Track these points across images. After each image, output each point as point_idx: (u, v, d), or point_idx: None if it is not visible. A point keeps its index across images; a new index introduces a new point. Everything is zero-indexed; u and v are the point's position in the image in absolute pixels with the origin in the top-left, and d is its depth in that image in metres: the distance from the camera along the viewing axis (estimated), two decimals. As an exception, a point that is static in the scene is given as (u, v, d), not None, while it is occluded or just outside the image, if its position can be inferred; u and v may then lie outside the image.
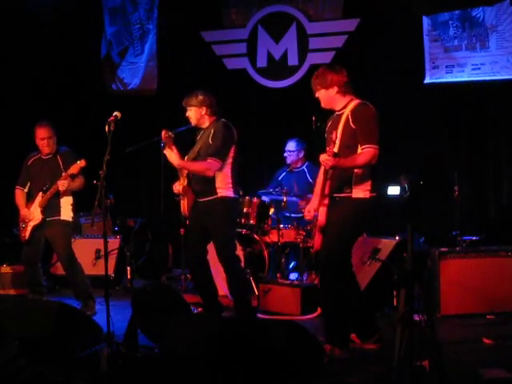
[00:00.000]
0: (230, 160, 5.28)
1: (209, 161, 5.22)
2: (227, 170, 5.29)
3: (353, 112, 4.53)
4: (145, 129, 7.91)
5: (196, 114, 5.38)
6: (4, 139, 8.03)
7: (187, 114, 5.43)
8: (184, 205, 5.46)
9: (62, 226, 6.09)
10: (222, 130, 5.29)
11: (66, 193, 6.03)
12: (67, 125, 7.78)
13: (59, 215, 6.07)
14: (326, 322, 4.68)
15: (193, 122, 5.43)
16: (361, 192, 4.52)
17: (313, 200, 4.83)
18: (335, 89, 4.61)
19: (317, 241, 4.65)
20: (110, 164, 4.59)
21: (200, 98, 5.35)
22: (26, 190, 6.23)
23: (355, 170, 4.52)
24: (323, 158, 4.43)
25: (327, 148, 4.52)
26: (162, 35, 8.49)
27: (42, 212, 6.03)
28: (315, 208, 4.69)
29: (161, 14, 8.45)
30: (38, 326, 4.29)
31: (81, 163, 5.81)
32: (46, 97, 8.44)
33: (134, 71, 8.69)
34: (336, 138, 4.46)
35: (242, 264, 6.00)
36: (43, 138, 6.08)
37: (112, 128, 4.65)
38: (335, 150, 4.43)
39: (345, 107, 4.61)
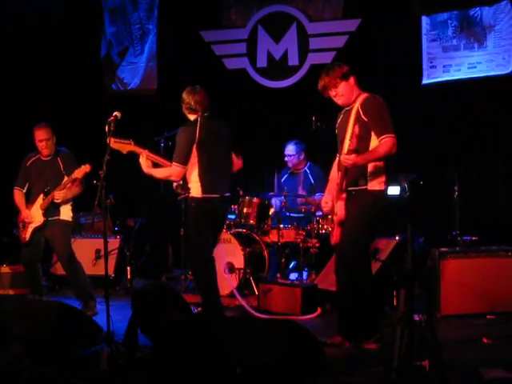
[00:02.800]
0: (195, 160, 5.18)
1: (172, 166, 5.22)
2: (194, 170, 5.21)
3: (362, 105, 4.58)
4: (145, 129, 7.94)
5: (183, 110, 5.37)
6: (4, 139, 8.03)
7: None
8: None
9: (61, 225, 6.08)
10: (181, 131, 5.26)
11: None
12: (67, 125, 7.79)
13: (59, 215, 6.06)
14: (341, 313, 4.74)
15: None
16: (376, 184, 4.56)
17: (327, 192, 4.87)
18: (351, 80, 4.65)
19: (336, 234, 4.68)
20: (109, 164, 4.59)
21: (183, 94, 5.32)
22: (24, 191, 6.22)
23: (370, 163, 4.54)
24: (343, 157, 4.43)
25: (343, 145, 4.53)
26: (162, 35, 8.49)
27: (44, 214, 6.01)
28: (332, 199, 4.72)
29: (161, 14, 8.46)
30: (38, 326, 4.29)
31: (85, 168, 5.72)
32: (45, 97, 8.43)
33: (134, 71, 8.69)
34: (350, 132, 4.46)
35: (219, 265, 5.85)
36: (41, 139, 6.04)
37: (112, 128, 4.66)
38: (351, 146, 4.40)
39: (354, 101, 4.65)
